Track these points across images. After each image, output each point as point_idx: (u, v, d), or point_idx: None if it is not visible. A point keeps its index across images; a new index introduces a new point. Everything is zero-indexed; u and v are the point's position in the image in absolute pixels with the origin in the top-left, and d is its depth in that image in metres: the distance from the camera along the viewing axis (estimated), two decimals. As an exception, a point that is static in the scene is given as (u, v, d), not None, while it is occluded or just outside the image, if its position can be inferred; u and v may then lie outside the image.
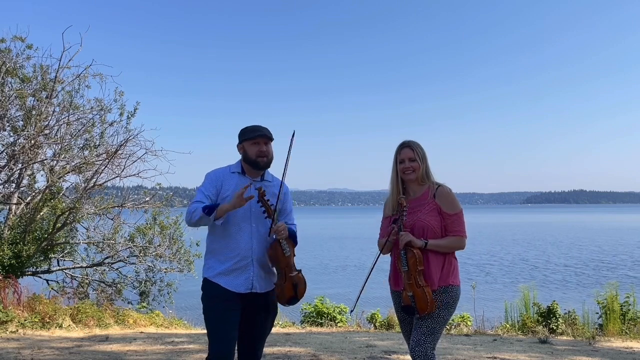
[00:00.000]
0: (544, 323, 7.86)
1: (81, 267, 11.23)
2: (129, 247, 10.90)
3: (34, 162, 9.90)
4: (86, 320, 7.46)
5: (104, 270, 11.16)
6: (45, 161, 10.09)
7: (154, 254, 10.86)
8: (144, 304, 10.68)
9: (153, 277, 11.27)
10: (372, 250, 3.16)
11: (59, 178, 10.08)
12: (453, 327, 8.39)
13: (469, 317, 8.98)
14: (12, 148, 9.56)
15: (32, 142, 9.43)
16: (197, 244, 10.66)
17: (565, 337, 7.30)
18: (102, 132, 10.54)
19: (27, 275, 10.27)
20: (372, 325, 9.10)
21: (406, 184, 3.14)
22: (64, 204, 10.13)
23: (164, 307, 10.61)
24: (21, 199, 10.38)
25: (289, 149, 3.01)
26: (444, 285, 2.98)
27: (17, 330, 6.71)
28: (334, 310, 9.23)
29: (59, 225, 10.15)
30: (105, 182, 10.49)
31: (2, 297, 7.41)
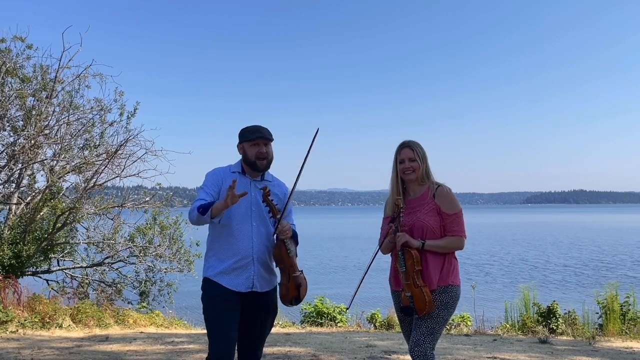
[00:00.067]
0: (544, 323, 7.86)
1: (81, 267, 11.23)
2: (129, 247, 10.90)
3: (34, 162, 9.90)
4: (86, 320, 7.46)
5: (104, 270, 11.16)
6: (45, 161, 10.09)
7: (154, 254, 10.86)
8: (144, 304, 10.68)
9: (153, 277, 11.27)
10: (372, 250, 3.16)
11: (59, 178, 10.09)
12: (453, 327, 8.39)
13: (469, 317, 8.98)
14: (12, 148, 9.56)
15: (32, 142, 9.44)
16: (197, 244, 10.67)
17: (565, 337, 7.30)
18: (102, 132, 10.55)
19: (27, 275, 10.28)
20: (372, 325, 9.10)
21: (406, 184, 3.14)
22: (64, 204, 10.13)
23: (164, 307, 10.61)
24: (21, 199, 10.39)
25: (310, 147, 2.98)
26: (444, 285, 2.97)
27: (17, 330, 6.71)
28: (334, 310, 9.23)
29: (59, 225, 10.15)
30: (105, 182, 10.50)
31: (2, 297, 7.41)
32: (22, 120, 9.70)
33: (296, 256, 3.08)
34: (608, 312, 7.78)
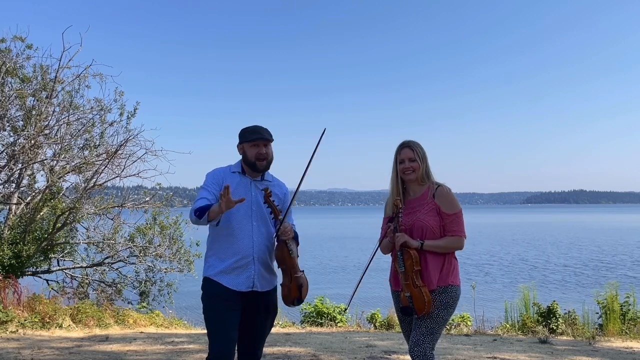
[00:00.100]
0: (544, 323, 7.86)
1: (81, 267, 11.23)
2: (129, 247, 10.91)
3: (34, 162, 9.90)
4: (86, 320, 7.46)
5: (104, 270, 11.16)
6: (45, 161, 10.09)
7: (154, 254, 10.87)
8: (144, 304, 10.68)
9: (153, 277, 11.27)
10: (372, 250, 3.16)
11: (59, 178, 10.09)
12: (453, 327, 8.40)
13: (469, 317, 8.98)
14: (12, 148, 9.56)
15: (32, 142, 9.44)
16: (197, 244, 10.67)
17: (565, 337, 7.30)
18: (102, 132, 10.55)
19: (27, 275, 10.28)
20: (372, 325, 9.10)
21: (406, 184, 3.14)
22: (64, 204, 10.14)
23: (164, 307, 10.62)
24: (21, 199, 10.39)
25: (316, 147, 2.99)
26: (444, 285, 2.97)
27: (17, 330, 6.72)
28: (334, 310, 9.23)
29: (59, 225, 10.15)
30: (105, 182, 10.50)
31: (2, 297, 7.41)
32: (22, 120, 9.70)
33: (297, 256, 3.09)
34: (608, 312, 7.78)
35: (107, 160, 10.13)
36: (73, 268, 11.22)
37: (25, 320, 7.01)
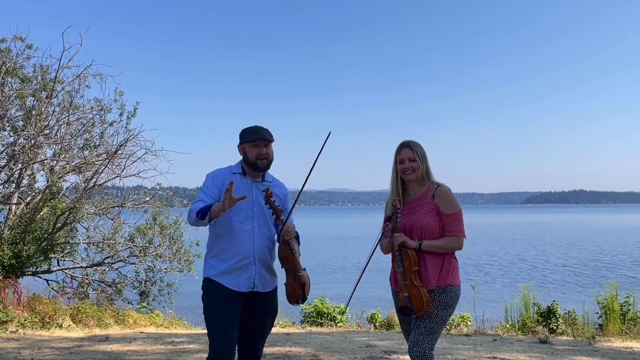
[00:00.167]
0: (544, 323, 7.86)
1: (81, 267, 11.24)
2: (129, 247, 10.91)
3: (34, 162, 9.90)
4: (86, 320, 7.46)
5: (104, 270, 11.16)
6: (45, 161, 10.10)
7: (154, 254, 10.87)
8: (144, 304, 10.68)
9: (153, 277, 11.27)
10: (370, 250, 3.16)
11: (59, 178, 10.09)
12: (453, 327, 8.40)
13: (469, 317, 8.98)
14: (12, 148, 9.57)
15: (32, 142, 9.44)
16: (197, 244, 10.67)
17: (565, 337, 7.30)
18: (102, 132, 10.56)
19: (27, 275, 10.28)
20: (372, 325, 9.10)
21: (406, 184, 3.14)
22: (64, 204, 10.14)
23: (164, 307, 10.62)
24: (21, 199, 10.39)
25: (320, 150, 3.00)
26: (443, 285, 2.96)
27: (17, 330, 6.72)
28: (334, 310, 9.23)
29: (59, 225, 10.15)
30: (105, 182, 10.50)
31: (2, 297, 7.41)
32: (22, 120, 9.71)
33: (299, 255, 3.10)
34: (608, 312, 7.79)
35: (107, 160, 10.13)
36: (73, 268, 11.23)
37: (25, 320, 7.01)
